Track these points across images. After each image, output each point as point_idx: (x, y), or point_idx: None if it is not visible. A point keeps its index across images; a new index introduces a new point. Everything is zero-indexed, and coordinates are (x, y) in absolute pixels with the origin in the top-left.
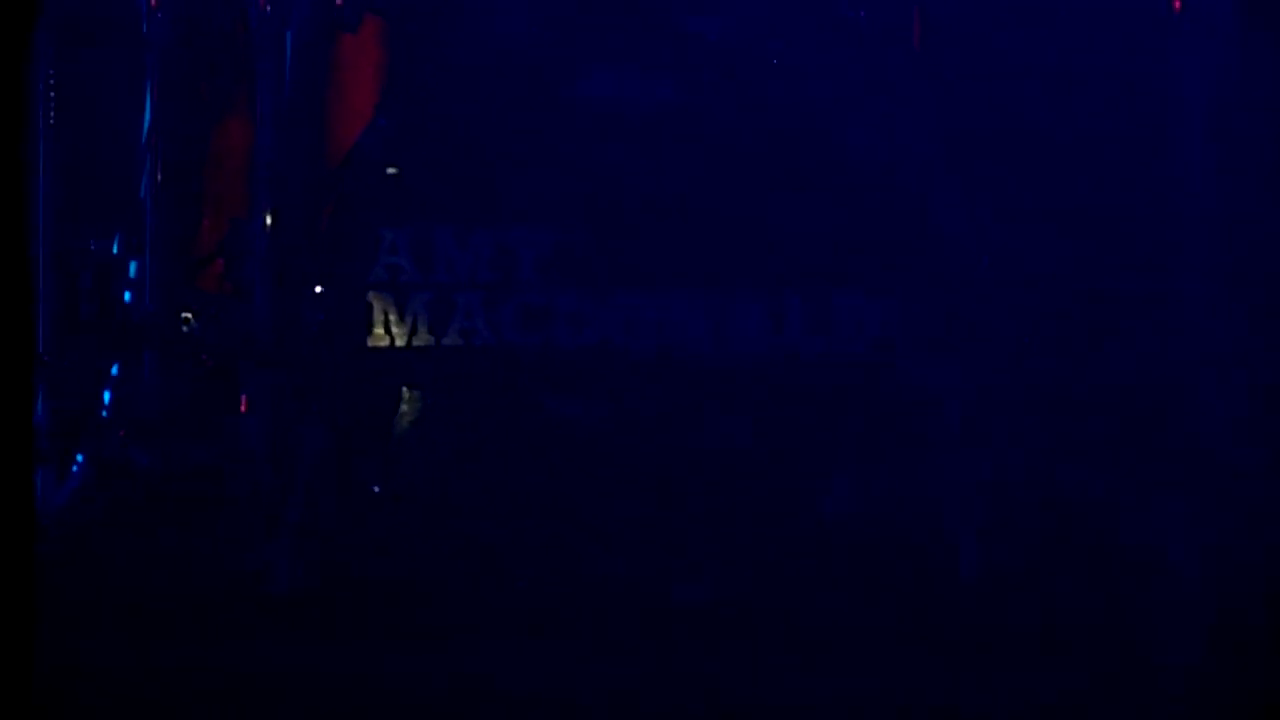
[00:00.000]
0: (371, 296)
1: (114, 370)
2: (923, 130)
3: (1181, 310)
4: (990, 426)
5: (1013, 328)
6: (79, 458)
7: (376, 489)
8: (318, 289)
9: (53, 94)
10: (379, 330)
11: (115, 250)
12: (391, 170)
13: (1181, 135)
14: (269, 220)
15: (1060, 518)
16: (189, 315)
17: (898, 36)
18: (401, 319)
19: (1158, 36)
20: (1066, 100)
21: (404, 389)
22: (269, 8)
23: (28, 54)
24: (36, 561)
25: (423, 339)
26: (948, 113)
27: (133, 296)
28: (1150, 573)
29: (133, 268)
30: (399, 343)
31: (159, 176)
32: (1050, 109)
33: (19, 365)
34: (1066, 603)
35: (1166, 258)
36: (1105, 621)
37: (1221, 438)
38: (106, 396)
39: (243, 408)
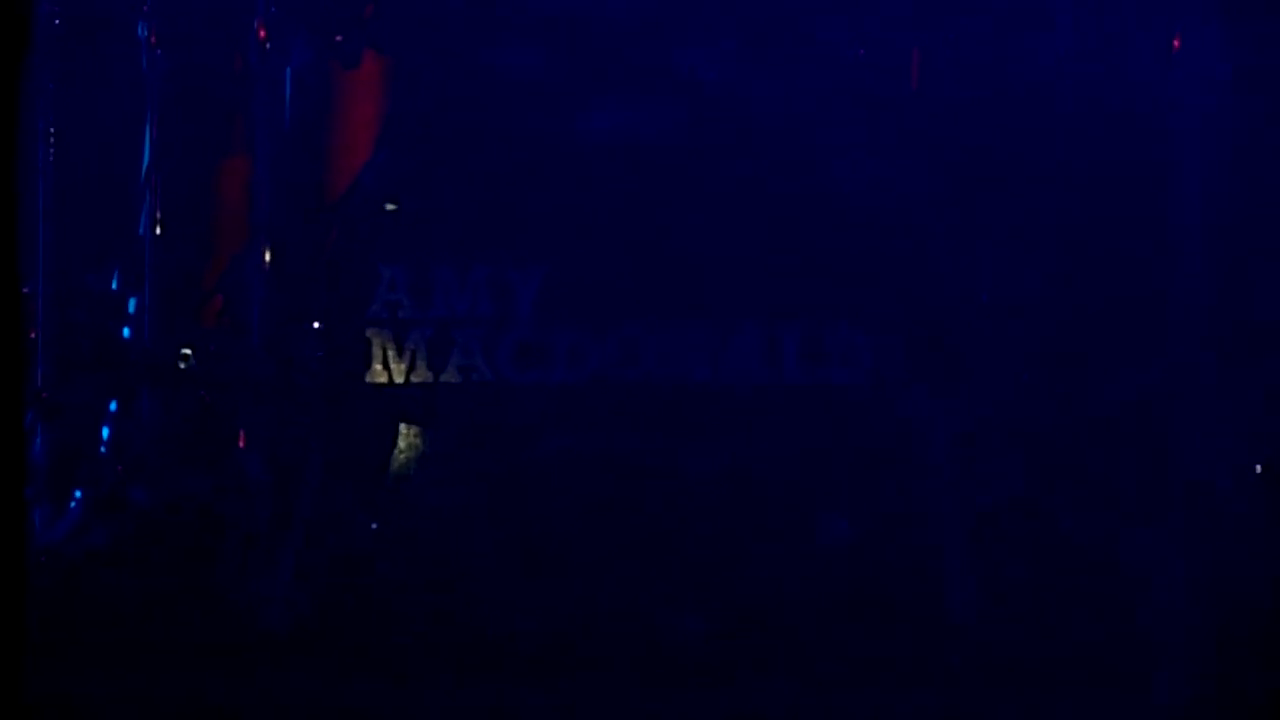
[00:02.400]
0: (370, 333)
1: (112, 406)
2: (920, 166)
3: (1172, 342)
4: (983, 457)
5: (1007, 360)
6: (77, 494)
7: (375, 525)
8: (316, 325)
9: (52, 130)
10: (377, 366)
11: (114, 286)
12: (390, 206)
13: (1177, 171)
14: (268, 256)
15: (1052, 548)
16: (188, 351)
17: (896, 74)
18: (400, 355)
19: (1156, 73)
20: (1063, 136)
21: (402, 425)
22: (269, 44)
23: (19, 88)
24: (32, 597)
25: (421, 375)
26: (945, 149)
27: (131, 332)
28: (1142, 603)
29: (131, 304)
30: (397, 379)
31: (158, 213)
32: (1047, 145)
33: (14, 401)
34: (1058, 633)
35: (1158, 290)
36: (1097, 652)
37: (1212, 468)
38: (105, 432)
39: (241, 444)
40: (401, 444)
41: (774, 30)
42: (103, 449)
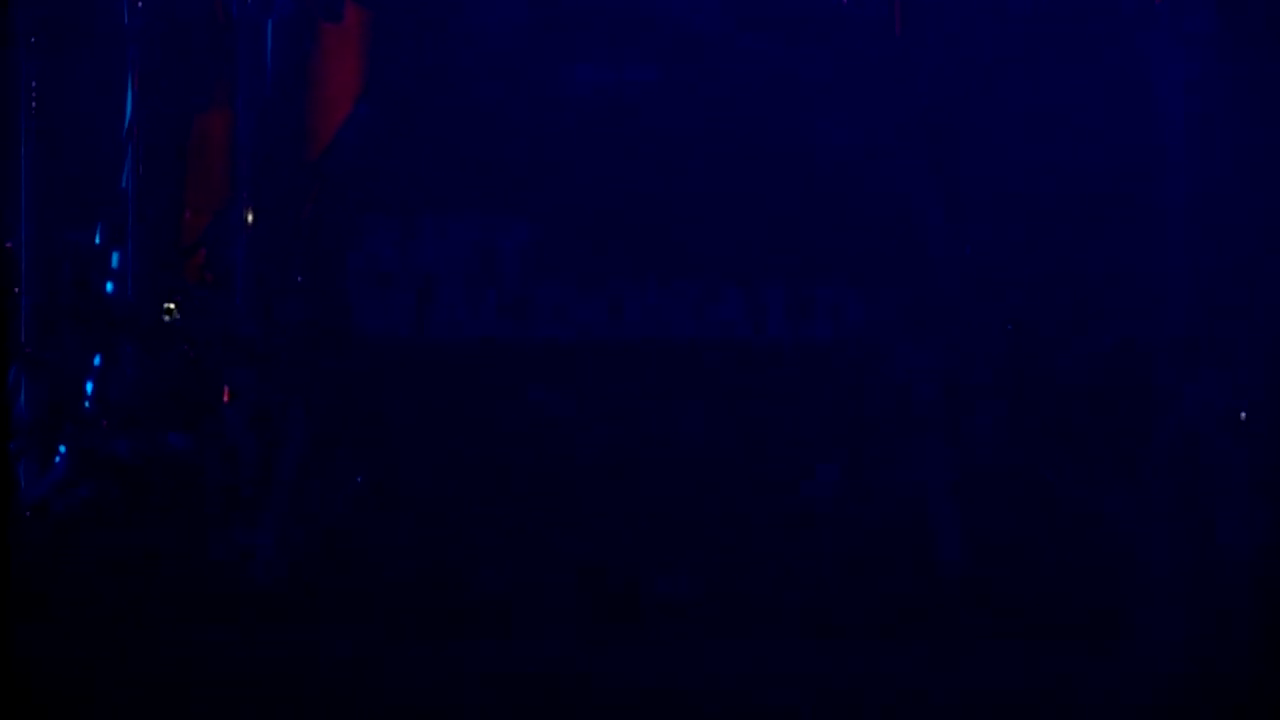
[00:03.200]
0: (353, 287)
1: (96, 361)
2: (904, 119)
3: (1157, 300)
4: (970, 414)
5: (992, 316)
6: (61, 448)
7: (359, 479)
8: (299, 279)
9: (34, 85)
10: (361, 321)
11: (97, 242)
12: (372, 160)
13: (1160, 125)
14: (250, 211)
15: (1038, 504)
16: (171, 306)
17: (880, 25)
18: (384, 310)
19: (1140, 25)
20: (1047, 89)
21: (386, 380)
22: None
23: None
24: (18, 551)
25: (404, 330)
26: (929, 102)
27: (115, 288)
28: (1126, 559)
29: (115, 259)
30: (380, 333)
31: (140, 168)
32: (1031, 97)
33: None
34: (1044, 588)
35: (1142, 247)
36: (1081, 607)
37: (1196, 425)
38: (89, 387)
39: (225, 398)
40: (385, 399)
41: None
42: (87, 404)
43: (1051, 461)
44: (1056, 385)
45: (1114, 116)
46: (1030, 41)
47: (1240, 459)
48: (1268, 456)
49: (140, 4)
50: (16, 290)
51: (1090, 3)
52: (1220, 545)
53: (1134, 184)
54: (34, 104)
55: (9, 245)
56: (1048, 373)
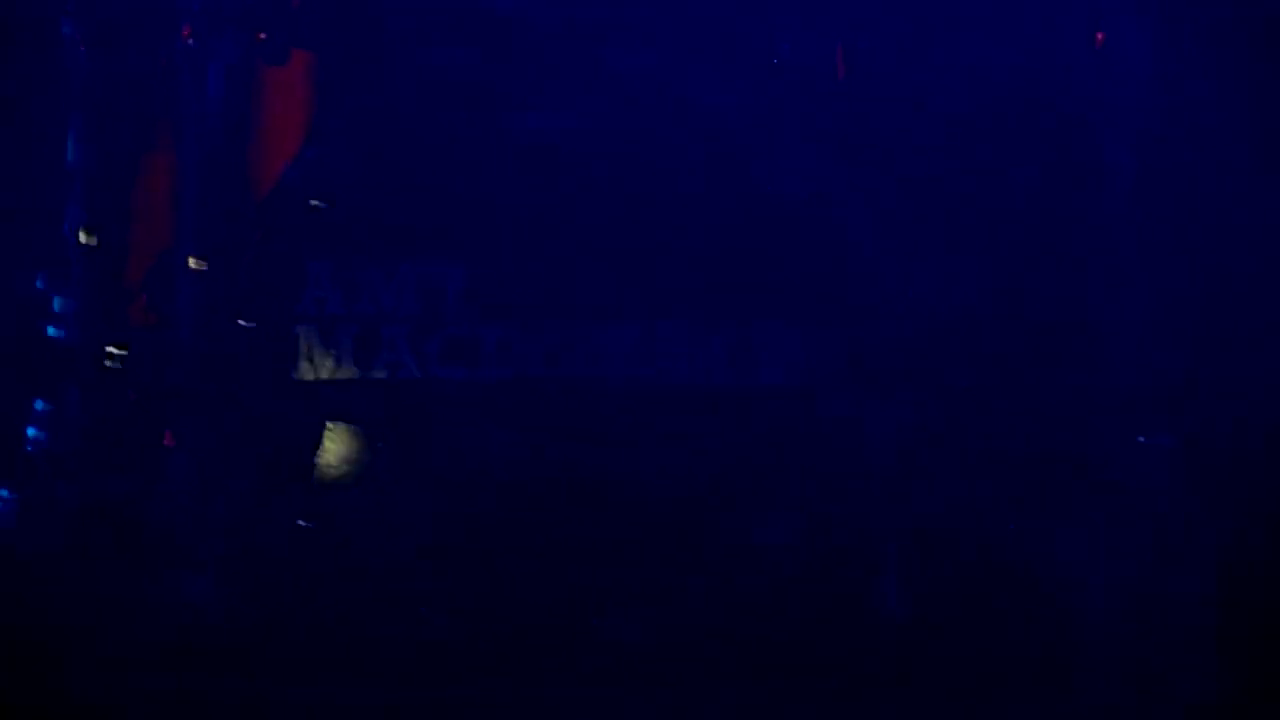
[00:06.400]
0: (297, 330)
1: (38, 406)
2: (846, 163)
3: (1102, 343)
4: (916, 459)
5: (936, 361)
6: (3, 493)
7: (302, 524)
8: (243, 323)
9: None
10: (305, 363)
11: (40, 285)
12: (316, 203)
13: (1105, 165)
14: (194, 254)
15: (984, 549)
16: (114, 350)
17: (822, 70)
18: (327, 352)
19: (1081, 67)
20: (989, 133)
21: (329, 422)
22: (192, 41)
23: None
24: None
25: (348, 372)
26: (870, 145)
27: (57, 331)
28: (1071, 605)
29: (57, 303)
30: (325, 376)
31: (84, 212)
32: (973, 141)
33: None
34: (989, 634)
35: (1088, 291)
36: (1026, 653)
37: (1139, 471)
38: (31, 431)
39: (168, 441)
40: (329, 441)
41: (704, 32)
42: (28, 448)
43: (997, 508)
44: (1003, 430)
45: (1061, 155)
46: (973, 82)
47: (1183, 503)
48: (1212, 502)
49: (84, 48)
50: None
51: (1032, 44)
52: (1163, 589)
53: (1081, 224)
54: None
55: None
56: (993, 417)
